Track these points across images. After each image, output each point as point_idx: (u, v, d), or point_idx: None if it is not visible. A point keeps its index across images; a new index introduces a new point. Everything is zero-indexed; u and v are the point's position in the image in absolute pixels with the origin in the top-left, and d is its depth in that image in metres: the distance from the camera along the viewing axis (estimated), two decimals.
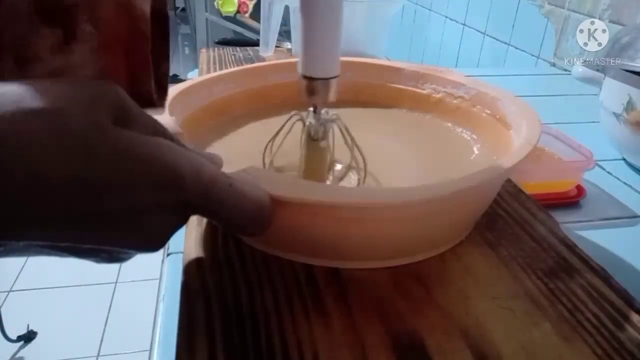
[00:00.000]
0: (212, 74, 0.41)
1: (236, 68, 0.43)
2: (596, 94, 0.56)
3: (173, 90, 0.36)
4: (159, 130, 0.22)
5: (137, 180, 0.19)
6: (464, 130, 0.41)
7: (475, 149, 0.39)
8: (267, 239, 0.29)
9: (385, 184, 0.35)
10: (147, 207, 0.20)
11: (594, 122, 0.59)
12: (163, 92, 0.25)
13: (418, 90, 0.44)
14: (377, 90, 0.45)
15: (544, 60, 0.95)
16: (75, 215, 0.18)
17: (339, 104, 0.44)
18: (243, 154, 0.37)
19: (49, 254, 0.21)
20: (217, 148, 0.37)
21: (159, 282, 0.36)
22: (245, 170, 0.25)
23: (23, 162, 0.16)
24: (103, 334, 1.37)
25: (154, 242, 0.22)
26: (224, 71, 0.42)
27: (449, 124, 0.42)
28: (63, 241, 0.19)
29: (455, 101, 0.42)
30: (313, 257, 0.28)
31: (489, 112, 0.39)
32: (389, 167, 0.37)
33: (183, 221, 0.23)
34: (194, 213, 0.23)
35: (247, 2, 2.07)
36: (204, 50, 0.74)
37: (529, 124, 0.33)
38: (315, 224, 0.27)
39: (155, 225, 0.21)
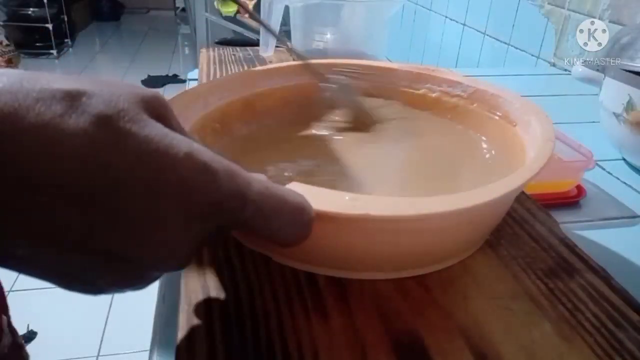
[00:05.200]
0: (213, 80, 0.40)
1: (237, 72, 0.43)
2: (596, 94, 0.56)
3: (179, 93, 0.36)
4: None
5: (164, 173, 0.18)
6: (469, 129, 0.40)
7: (483, 148, 0.38)
8: (266, 246, 0.28)
9: (396, 189, 0.34)
10: (172, 206, 0.18)
11: (594, 122, 0.59)
12: None
13: (417, 91, 0.44)
14: (379, 92, 0.45)
15: (544, 60, 0.95)
16: (86, 197, 0.17)
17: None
18: (246, 159, 0.37)
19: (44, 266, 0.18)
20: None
21: (159, 282, 0.36)
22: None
23: (35, 135, 0.16)
24: (103, 334, 1.37)
25: (175, 255, 0.19)
26: (225, 76, 0.42)
27: (458, 125, 0.41)
28: (74, 229, 0.17)
29: (453, 99, 0.42)
30: (316, 266, 0.28)
31: (490, 110, 0.39)
32: (399, 171, 0.37)
33: (209, 231, 0.20)
34: (226, 222, 0.20)
35: (247, 2, 2.06)
36: (204, 50, 0.74)
37: (539, 120, 0.32)
38: (321, 235, 0.26)
39: (179, 232, 0.18)
